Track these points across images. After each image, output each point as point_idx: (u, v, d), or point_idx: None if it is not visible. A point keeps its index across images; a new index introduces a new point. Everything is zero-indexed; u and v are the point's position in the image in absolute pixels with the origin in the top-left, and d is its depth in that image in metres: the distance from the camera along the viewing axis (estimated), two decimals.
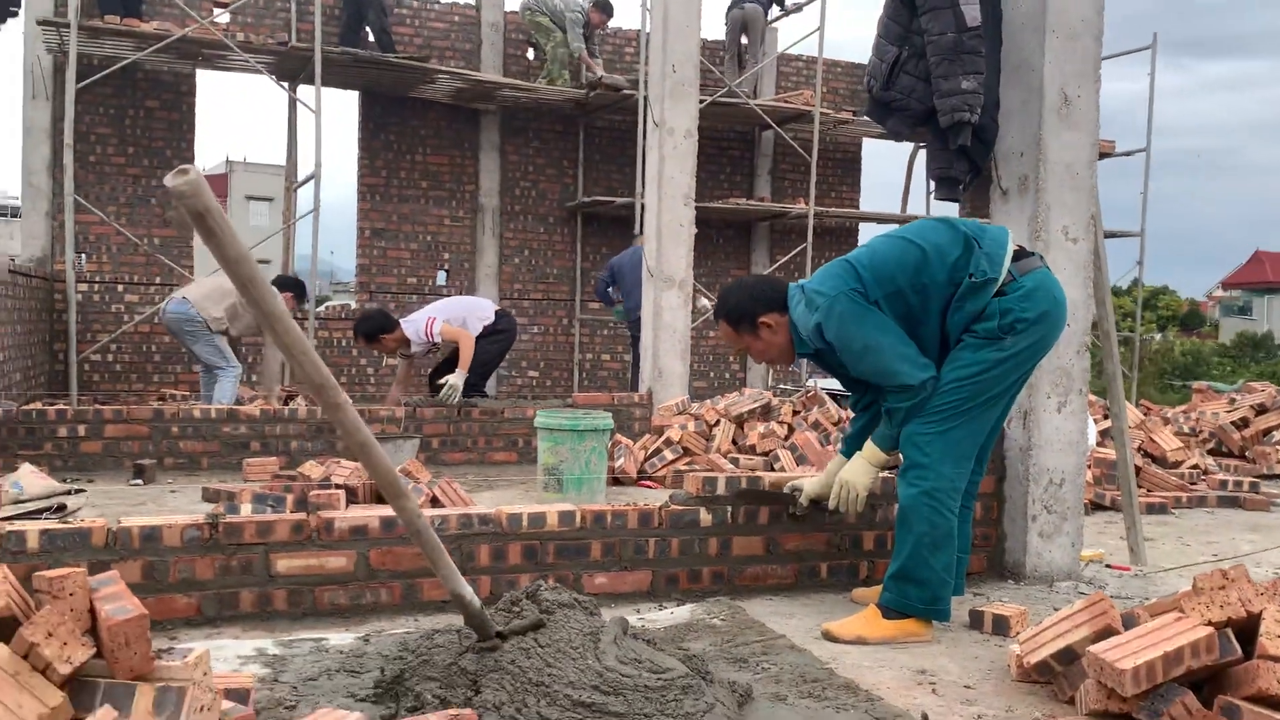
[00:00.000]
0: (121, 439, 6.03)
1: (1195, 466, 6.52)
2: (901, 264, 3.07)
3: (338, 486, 4.49)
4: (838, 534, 3.66)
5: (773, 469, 5.74)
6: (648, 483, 5.95)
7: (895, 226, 3.93)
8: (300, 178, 10.46)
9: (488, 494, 5.48)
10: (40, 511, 4.32)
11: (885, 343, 3.04)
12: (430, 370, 7.68)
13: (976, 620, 3.21)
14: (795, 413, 6.51)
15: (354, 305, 13.13)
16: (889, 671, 2.77)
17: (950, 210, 4.31)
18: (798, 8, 11.98)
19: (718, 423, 6.40)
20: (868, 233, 13.42)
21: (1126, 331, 14.34)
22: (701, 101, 7.75)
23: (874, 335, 3.05)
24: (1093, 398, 7.00)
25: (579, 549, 3.36)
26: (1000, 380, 3.06)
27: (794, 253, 11.91)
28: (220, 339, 7.24)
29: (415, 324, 7.00)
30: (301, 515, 3.13)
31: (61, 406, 6.17)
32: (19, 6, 8.00)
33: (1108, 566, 4.16)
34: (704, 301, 9.72)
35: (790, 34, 23.56)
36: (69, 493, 4.96)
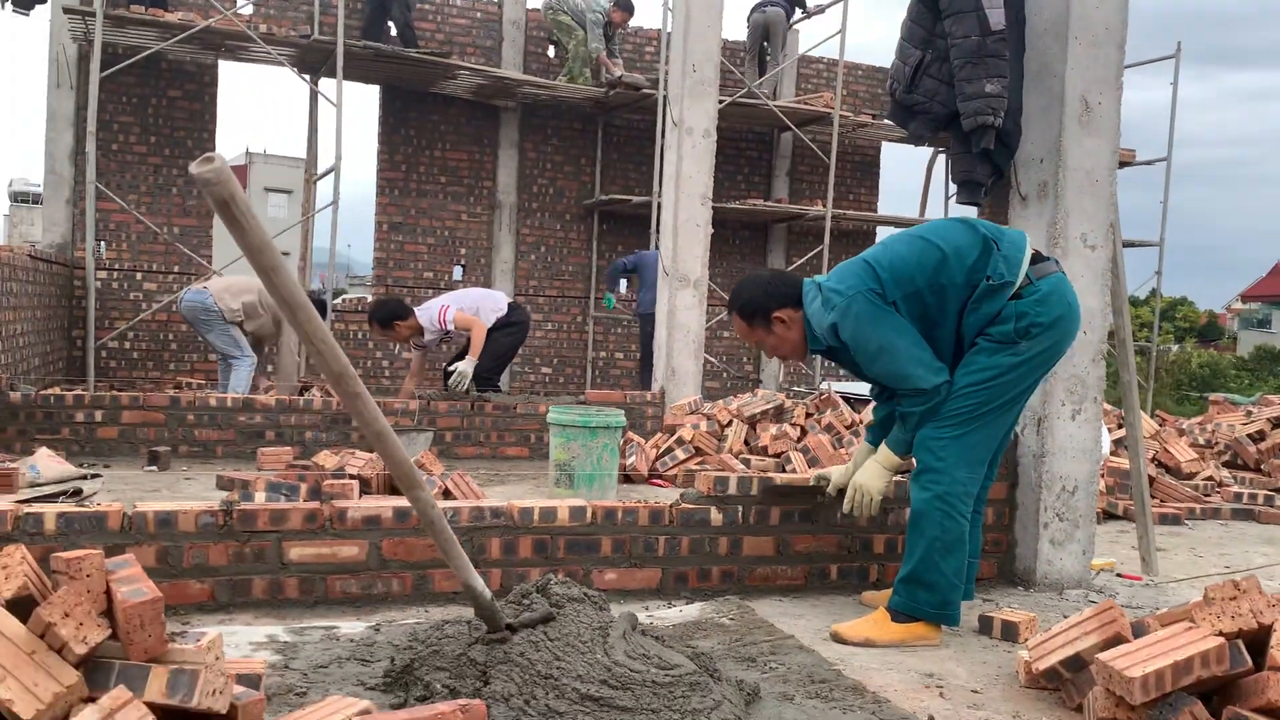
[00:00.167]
0: (137, 425, 6.08)
1: (1210, 478, 6.48)
2: (920, 265, 3.06)
3: (351, 477, 4.51)
4: (848, 536, 3.65)
5: (784, 471, 5.74)
6: (659, 481, 5.96)
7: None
8: (320, 170, 10.52)
9: (499, 488, 5.50)
10: (56, 495, 4.35)
11: (900, 345, 3.04)
12: (446, 364, 7.71)
13: (986, 625, 3.21)
14: (808, 415, 6.50)
15: (370, 299, 13.18)
16: (897, 674, 2.76)
17: (969, 212, 4.30)
18: (820, 9, 11.95)
19: (730, 423, 6.40)
20: (885, 236, 13.38)
21: (1143, 342, 14.25)
22: (721, 101, 7.75)
23: (889, 337, 3.04)
24: (1107, 407, 6.98)
25: (589, 544, 3.37)
26: (1015, 385, 3.05)
27: (810, 255, 11.89)
28: (235, 329, 7.29)
29: (429, 311, 7.04)
30: (315, 504, 3.15)
31: (79, 392, 6.23)
32: None
33: (1119, 576, 4.14)
34: None
35: (811, 36, 23.56)
36: (85, 477, 5.00)
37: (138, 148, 10.12)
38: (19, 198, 42.57)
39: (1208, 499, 6.11)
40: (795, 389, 10.72)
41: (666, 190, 7.44)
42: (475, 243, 11.56)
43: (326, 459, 5.24)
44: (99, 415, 6.01)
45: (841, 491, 3.44)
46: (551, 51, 11.61)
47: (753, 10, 11.81)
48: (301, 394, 7.34)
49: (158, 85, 10.14)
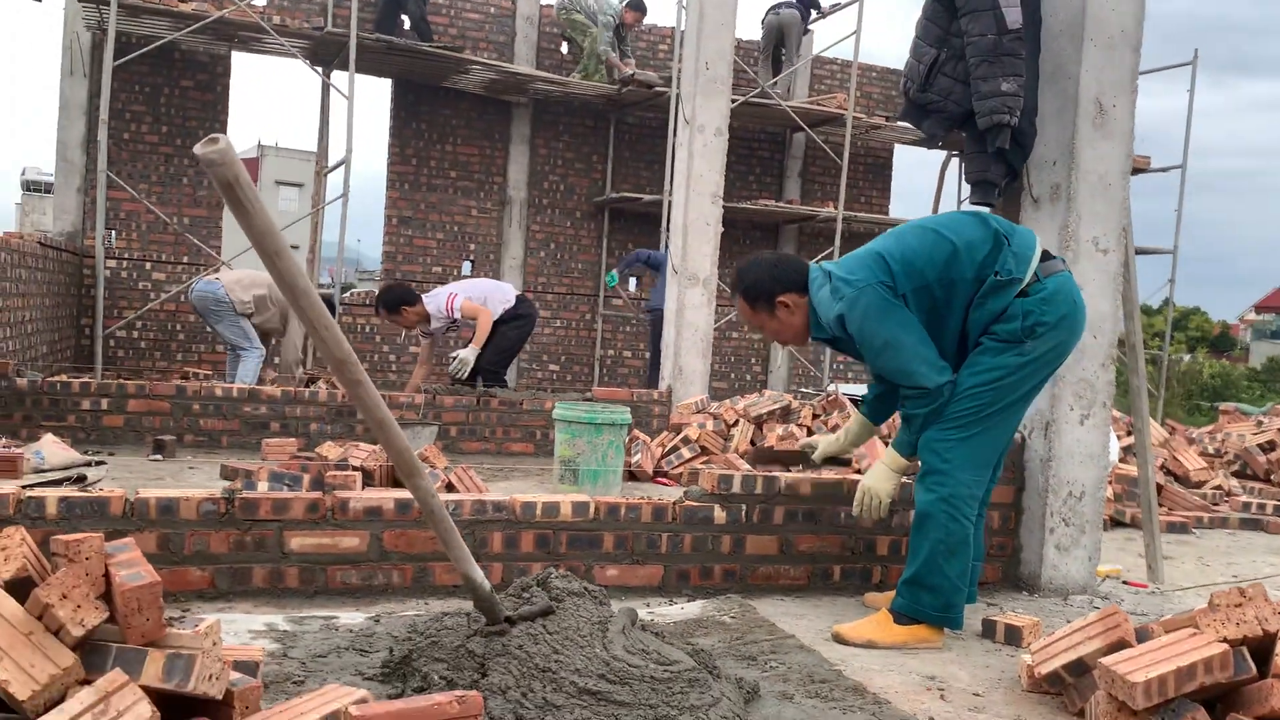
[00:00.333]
0: (143, 414, 6.09)
1: (1218, 487, 6.45)
2: (931, 259, 3.04)
3: (354, 469, 4.50)
4: (852, 537, 3.64)
5: (789, 472, 5.72)
6: (664, 479, 5.94)
7: None
8: (331, 163, 10.53)
9: (503, 483, 5.49)
10: (60, 481, 4.36)
11: (907, 341, 3.01)
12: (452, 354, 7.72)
13: (989, 629, 3.19)
14: (815, 416, 6.48)
15: (378, 292, 13.19)
16: (898, 676, 2.75)
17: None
18: (836, 7, 11.92)
19: (736, 423, 6.38)
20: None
21: (1155, 350, 14.19)
22: (734, 101, 7.73)
23: (896, 332, 3.01)
24: (1117, 414, 6.94)
25: (592, 540, 3.35)
26: (1020, 385, 3.03)
27: (821, 257, 11.81)
28: (244, 321, 7.32)
29: (437, 299, 7.06)
30: (317, 494, 3.15)
31: (85, 380, 6.24)
32: None
33: (1124, 583, 4.12)
34: None
35: (826, 37, 23.47)
36: (89, 464, 5.00)
37: (149, 137, 10.15)
38: (31, 187, 42.78)
39: (1216, 508, 6.07)
40: (803, 390, 10.70)
41: (677, 188, 7.42)
42: (485, 238, 11.55)
43: (330, 450, 5.24)
44: (105, 403, 6.02)
45: (828, 460, 3.57)
46: (565, 48, 11.60)
47: (768, 12, 11.78)
48: (307, 386, 7.35)
49: (170, 75, 10.16)
